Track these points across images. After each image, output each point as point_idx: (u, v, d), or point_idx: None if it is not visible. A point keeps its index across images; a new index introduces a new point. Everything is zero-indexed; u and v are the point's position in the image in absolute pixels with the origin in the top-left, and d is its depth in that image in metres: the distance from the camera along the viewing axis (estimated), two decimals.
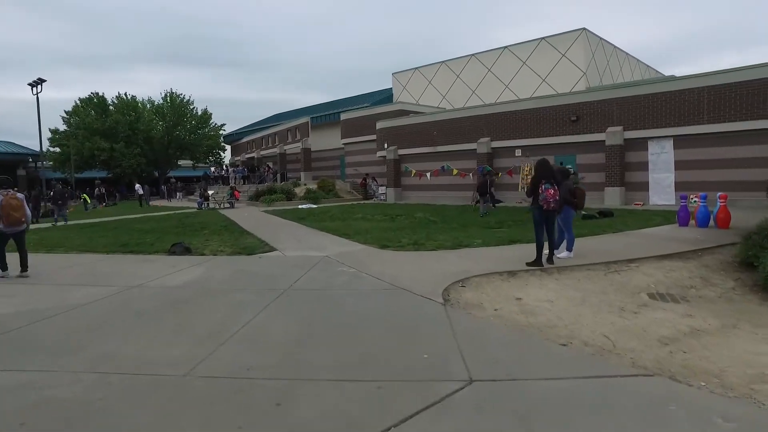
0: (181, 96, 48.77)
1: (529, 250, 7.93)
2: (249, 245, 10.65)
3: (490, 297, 6.14)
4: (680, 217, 11.86)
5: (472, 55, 31.19)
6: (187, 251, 9.66)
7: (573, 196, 8.35)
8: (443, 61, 32.50)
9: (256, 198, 25.90)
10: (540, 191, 7.40)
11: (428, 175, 24.84)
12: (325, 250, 9.63)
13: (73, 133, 44.61)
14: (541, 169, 7.65)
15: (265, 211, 21.33)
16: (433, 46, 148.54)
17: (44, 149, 47.06)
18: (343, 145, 33.01)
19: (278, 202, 24.59)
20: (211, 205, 24.68)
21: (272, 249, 10.07)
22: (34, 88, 24.24)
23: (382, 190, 27.49)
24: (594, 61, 27.04)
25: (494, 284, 6.69)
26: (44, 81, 24.37)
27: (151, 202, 33.04)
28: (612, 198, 18.88)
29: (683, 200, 11.98)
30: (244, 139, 46.82)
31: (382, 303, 5.86)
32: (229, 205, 24.95)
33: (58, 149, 44.42)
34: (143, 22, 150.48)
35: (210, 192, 32.06)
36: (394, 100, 33.86)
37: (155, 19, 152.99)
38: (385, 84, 37.34)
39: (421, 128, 26.10)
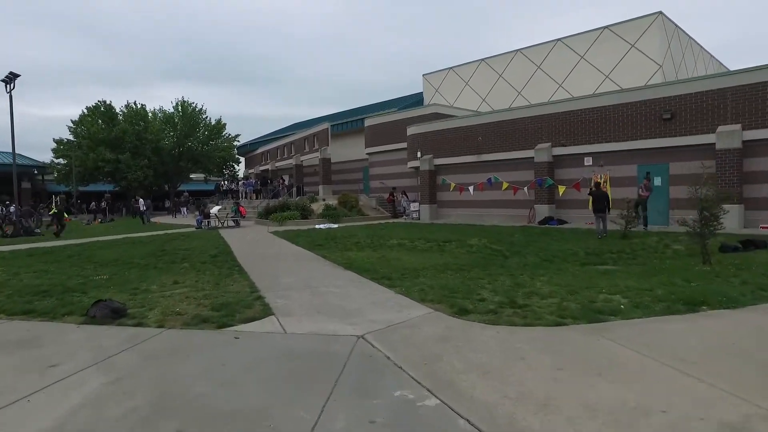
0: (193, 105, 45.65)
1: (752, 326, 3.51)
2: (230, 299, 6.48)
3: None
4: None
5: (518, 50, 26.99)
6: (114, 315, 5.52)
7: None
8: (482, 59, 28.38)
9: (266, 215, 21.94)
10: None
11: (471, 189, 20.50)
12: (358, 319, 5.40)
13: (78, 143, 41.72)
14: None
15: (275, 233, 17.26)
16: (464, 49, 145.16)
17: (49, 161, 44.74)
18: (367, 155, 28.98)
19: (291, 221, 20.54)
20: (213, 224, 20.77)
21: (265, 312, 5.84)
22: (7, 86, 20.93)
23: (414, 206, 23.23)
24: (670, 52, 22.52)
25: None
26: (18, 76, 21.04)
27: (152, 219, 29.42)
28: (727, 219, 14.20)
29: None
30: (259, 150, 43.16)
31: None
32: (233, 224, 20.99)
33: (62, 160, 41.39)
34: (160, 43, 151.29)
35: (215, 208, 28.31)
36: (425, 104, 29.80)
37: (173, 39, 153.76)
38: (413, 92, 33.49)
39: (463, 133, 21.85)
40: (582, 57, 24.40)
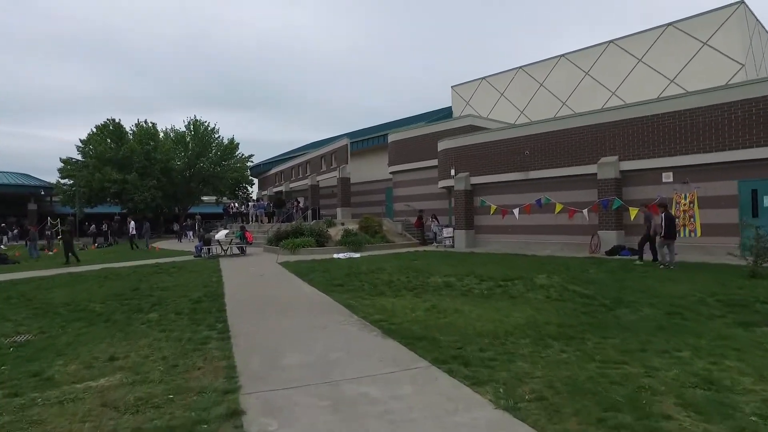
0: (205, 124, 43.60)
1: None
2: (178, 415, 3.35)
3: None
4: None
5: (561, 55, 24.01)
6: None
7: None
8: (520, 67, 25.46)
9: (276, 241, 18.95)
10: None
11: (516, 212, 17.22)
12: None
13: (84, 163, 39.77)
14: None
15: (284, 264, 14.21)
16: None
17: (55, 181, 42.85)
18: (390, 175, 26.01)
19: (305, 249, 17.49)
20: (214, 251, 17.84)
21: None
22: None
23: (447, 232, 20.01)
24: (751, 50, 19.25)
25: None
26: None
27: (153, 244, 26.71)
28: None
29: None
30: (272, 171, 40.58)
31: None
32: (238, 251, 18.01)
33: (68, 181, 39.36)
34: (180, 68, 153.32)
35: (222, 232, 25.46)
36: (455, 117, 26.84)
37: (194, 64, 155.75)
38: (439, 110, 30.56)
39: (505, 147, 18.74)
40: (640, 60, 21.26)
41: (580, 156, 16.48)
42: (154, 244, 28.29)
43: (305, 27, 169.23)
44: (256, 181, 47.44)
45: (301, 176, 32.15)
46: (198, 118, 43.81)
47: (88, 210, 41.07)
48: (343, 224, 22.04)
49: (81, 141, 40.35)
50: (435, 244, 21.17)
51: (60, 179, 40.48)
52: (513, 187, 18.53)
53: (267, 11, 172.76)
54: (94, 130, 41.05)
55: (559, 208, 15.83)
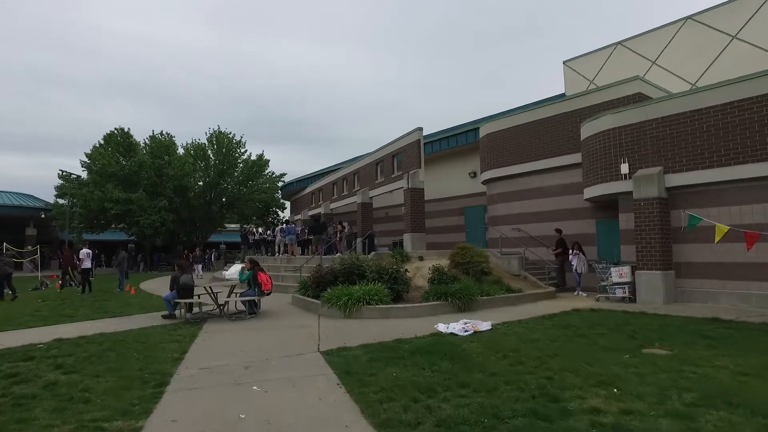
0: (230, 134, 36.61)
1: None
2: None
3: None
4: None
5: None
6: None
7: None
8: (688, 17, 16.75)
9: (315, 288, 10.58)
10: None
11: None
12: None
13: (83, 180, 33.15)
14: None
15: (334, 356, 5.73)
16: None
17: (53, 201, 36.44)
18: (483, 184, 17.55)
19: (371, 306, 8.98)
20: (205, 308, 9.60)
21: None
22: None
23: (619, 273, 11.12)
24: None
25: None
26: None
27: (129, 284, 18.81)
28: None
29: None
30: (307, 190, 32.49)
31: None
32: (244, 308, 9.57)
33: (64, 201, 32.60)
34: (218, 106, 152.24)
35: (234, 268, 17.41)
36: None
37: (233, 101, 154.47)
38: None
39: (739, 116, 9.97)
40: None
41: None
42: (146, 282, 20.48)
43: (340, 67, 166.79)
44: (288, 204, 39.74)
45: (346, 193, 23.97)
46: (222, 129, 36.63)
47: (89, 236, 34.17)
48: (421, 258, 13.47)
49: (86, 155, 33.87)
50: (578, 290, 12.38)
51: (57, 198, 33.90)
52: (759, 191, 9.65)
53: (300, 50, 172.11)
54: (102, 142, 34.65)
55: None
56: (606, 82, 16.64)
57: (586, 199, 13.15)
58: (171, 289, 9.37)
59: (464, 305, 9.64)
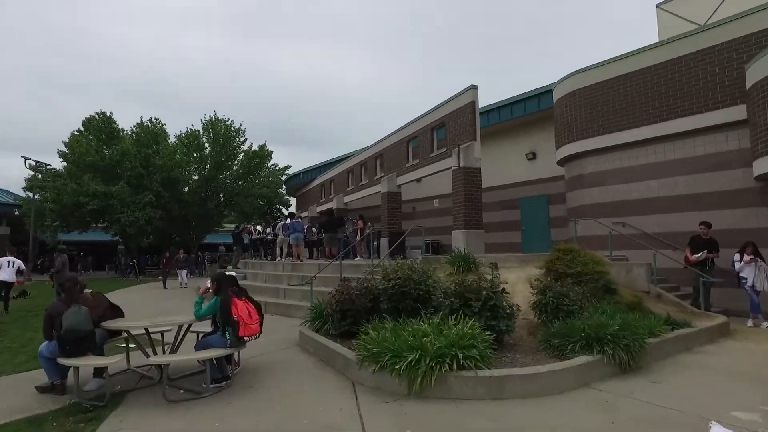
0: (228, 121, 32.12)
1: None
2: None
3: None
4: None
5: None
6: None
7: None
8: None
9: (341, 317, 5.99)
10: None
11: None
12: None
13: (58, 172, 28.79)
14: None
15: None
16: None
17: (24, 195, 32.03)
18: (560, 164, 12.96)
19: (466, 373, 4.34)
20: (130, 364, 5.04)
21: None
22: None
23: None
24: None
25: None
26: None
27: (91, 291, 14.20)
28: None
29: None
30: (316, 182, 27.61)
31: None
32: (211, 377, 4.82)
33: (36, 195, 28.14)
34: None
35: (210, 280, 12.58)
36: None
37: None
38: None
39: None
40: None
41: None
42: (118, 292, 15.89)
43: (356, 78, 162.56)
44: (293, 201, 35.14)
45: (365, 182, 19.32)
46: (219, 116, 32.16)
47: (64, 236, 29.71)
48: (494, 266, 8.68)
49: (64, 144, 29.41)
50: (753, 320, 7.69)
51: (26, 192, 29.45)
52: None
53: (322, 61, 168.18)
54: (81, 129, 30.26)
55: None
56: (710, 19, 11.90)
57: (756, 177, 8.47)
58: (47, 335, 4.66)
59: (630, 360, 5.01)
